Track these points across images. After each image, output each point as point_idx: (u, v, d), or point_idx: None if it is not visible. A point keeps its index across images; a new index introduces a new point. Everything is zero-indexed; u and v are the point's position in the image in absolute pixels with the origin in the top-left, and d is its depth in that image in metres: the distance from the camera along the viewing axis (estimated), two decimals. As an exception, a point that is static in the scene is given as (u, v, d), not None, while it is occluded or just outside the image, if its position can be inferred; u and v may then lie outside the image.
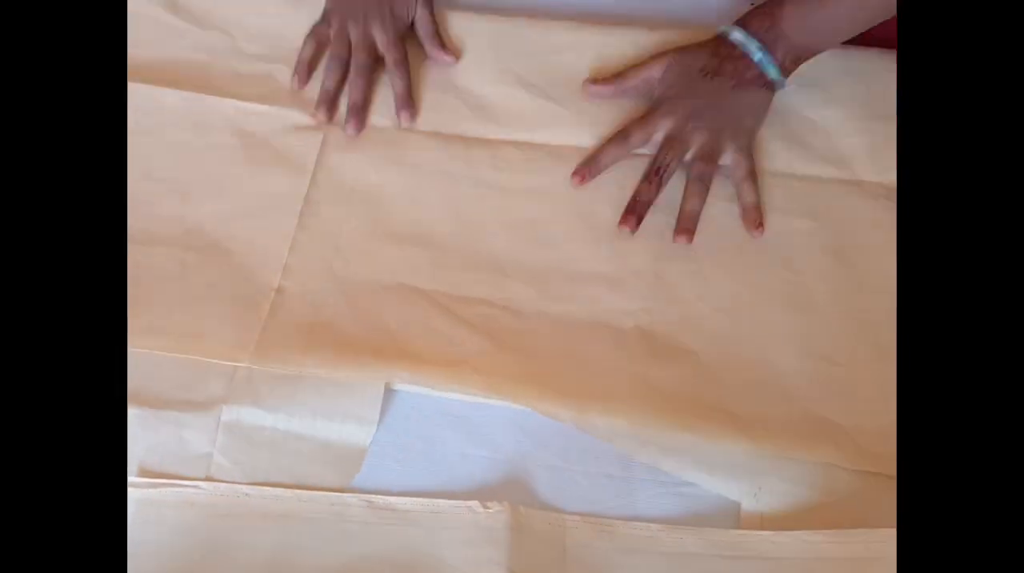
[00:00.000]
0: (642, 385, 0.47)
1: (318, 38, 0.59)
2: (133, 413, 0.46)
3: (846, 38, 0.56)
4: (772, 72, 0.55)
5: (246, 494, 0.44)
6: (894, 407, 0.46)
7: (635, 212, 0.53)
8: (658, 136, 0.55)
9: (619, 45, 0.60)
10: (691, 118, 0.54)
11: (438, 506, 0.44)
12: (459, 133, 0.57)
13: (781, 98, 0.57)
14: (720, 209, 0.54)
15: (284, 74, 0.59)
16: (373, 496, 0.44)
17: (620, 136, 0.55)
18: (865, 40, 0.57)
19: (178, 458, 0.45)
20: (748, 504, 0.45)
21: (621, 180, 0.55)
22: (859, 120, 0.58)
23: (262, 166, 0.55)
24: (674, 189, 0.55)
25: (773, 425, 0.46)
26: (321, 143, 0.56)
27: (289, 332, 0.48)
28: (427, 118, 0.58)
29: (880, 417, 0.47)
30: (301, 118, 0.58)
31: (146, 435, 0.45)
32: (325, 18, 0.60)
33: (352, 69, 0.58)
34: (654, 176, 0.54)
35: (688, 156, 0.54)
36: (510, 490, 0.45)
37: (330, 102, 0.57)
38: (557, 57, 0.60)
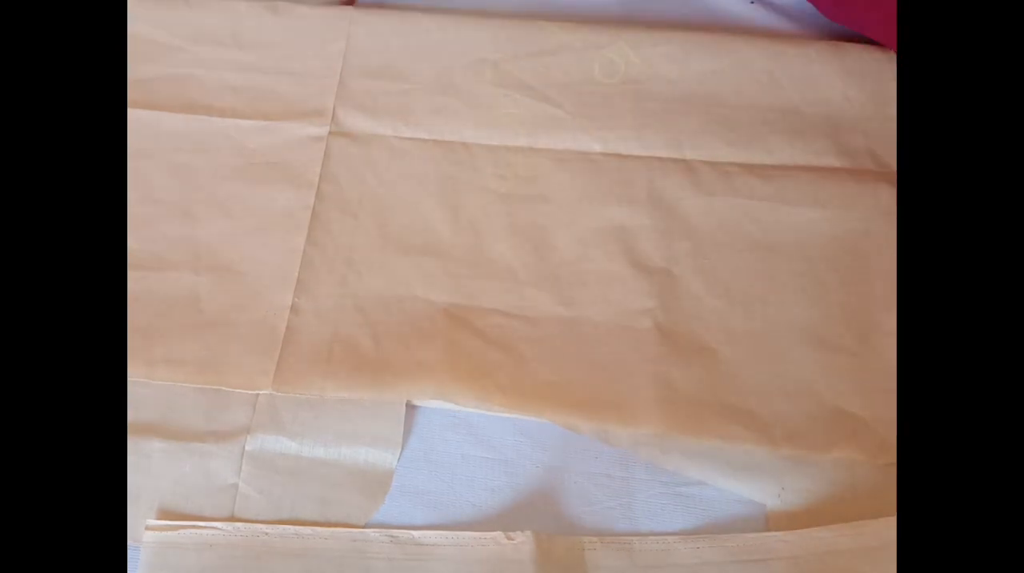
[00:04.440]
0: (663, 389, 0.45)
1: None
2: (159, 446, 0.43)
3: None
4: None
5: (266, 533, 0.41)
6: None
7: None
8: None
9: (615, 45, 0.57)
10: None
11: (462, 539, 0.42)
12: (461, 140, 0.54)
13: (782, 95, 0.55)
14: (727, 203, 0.52)
15: (281, 85, 0.56)
16: (396, 530, 0.42)
17: None
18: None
19: (204, 491, 0.43)
20: (772, 504, 0.43)
21: (627, 179, 0.53)
22: (860, 116, 0.55)
23: (266, 182, 0.52)
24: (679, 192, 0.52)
25: (793, 423, 0.44)
26: (324, 156, 0.53)
27: (308, 354, 0.45)
28: (430, 124, 0.55)
29: (893, 405, 0.45)
30: (302, 130, 0.54)
31: (172, 469, 0.43)
32: None
33: None
34: None
35: None
36: (511, 493, 0.43)
37: None
38: (553, 59, 0.57)
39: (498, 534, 0.41)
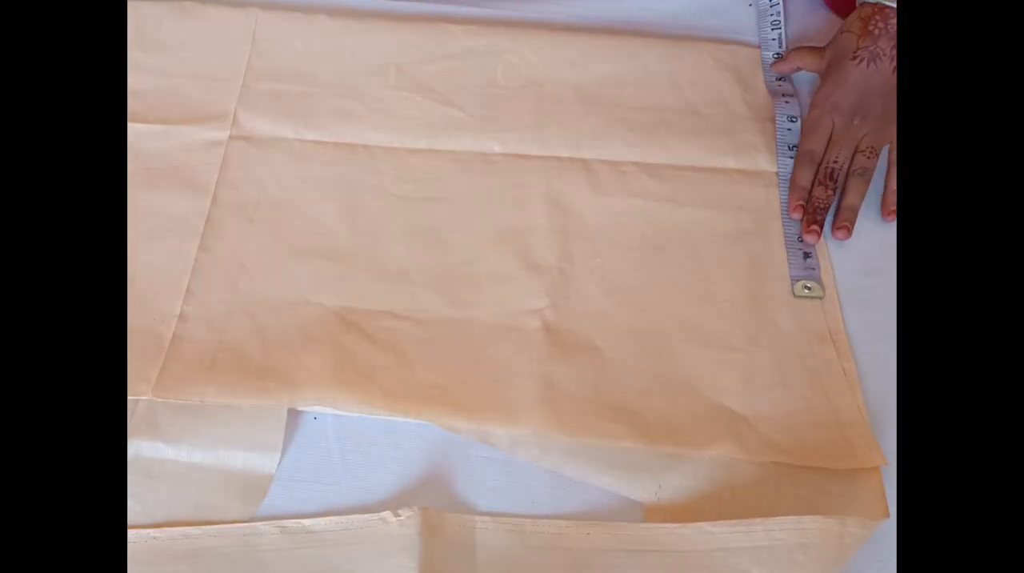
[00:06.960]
0: (544, 388, 0.44)
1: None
2: None
3: None
4: None
5: (154, 537, 0.40)
6: (791, 393, 0.45)
7: (816, 220, 0.50)
8: (826, 136, 0.52)
9: (517, 50, 0.57)
10: (855, 114, 0.51)
11: (351, 522, 0.41)
12: (363, 143, 0.53)
13: (681, 97, 0.55)
14: (622, 203, 0.52)
15: (183, 88, 0.55)
16: (286, 521, 0.41)
17: (805, 156, 0.52)
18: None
19: None
20: (650, 502, 0.43)
21: (524, 179, 0.52)
22: (757, 117, 0.55)
23: (163, 188, 0.51)
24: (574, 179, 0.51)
25: (674, 421, 0.44)
26: (222, 161, 0.52)
27: (191, 361, 0.44)
28: (331, 127, 0.54)
29: (778, 403, 0.45)
30: (201, 134, 0.53)
31: None
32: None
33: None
34: (828, 180, 0.50)
35: (854, 150, 0.52)
36: (423, 485, 0.43)
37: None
38: (457, 63, 0.56)
39: (386, 513, 0.40)
